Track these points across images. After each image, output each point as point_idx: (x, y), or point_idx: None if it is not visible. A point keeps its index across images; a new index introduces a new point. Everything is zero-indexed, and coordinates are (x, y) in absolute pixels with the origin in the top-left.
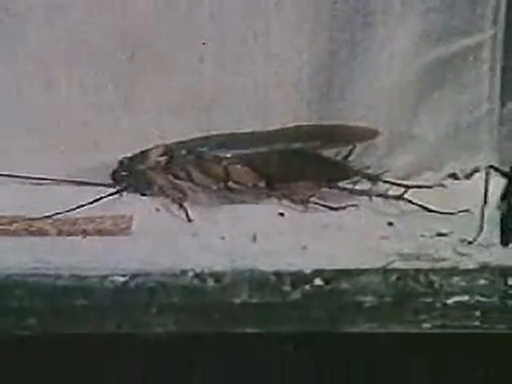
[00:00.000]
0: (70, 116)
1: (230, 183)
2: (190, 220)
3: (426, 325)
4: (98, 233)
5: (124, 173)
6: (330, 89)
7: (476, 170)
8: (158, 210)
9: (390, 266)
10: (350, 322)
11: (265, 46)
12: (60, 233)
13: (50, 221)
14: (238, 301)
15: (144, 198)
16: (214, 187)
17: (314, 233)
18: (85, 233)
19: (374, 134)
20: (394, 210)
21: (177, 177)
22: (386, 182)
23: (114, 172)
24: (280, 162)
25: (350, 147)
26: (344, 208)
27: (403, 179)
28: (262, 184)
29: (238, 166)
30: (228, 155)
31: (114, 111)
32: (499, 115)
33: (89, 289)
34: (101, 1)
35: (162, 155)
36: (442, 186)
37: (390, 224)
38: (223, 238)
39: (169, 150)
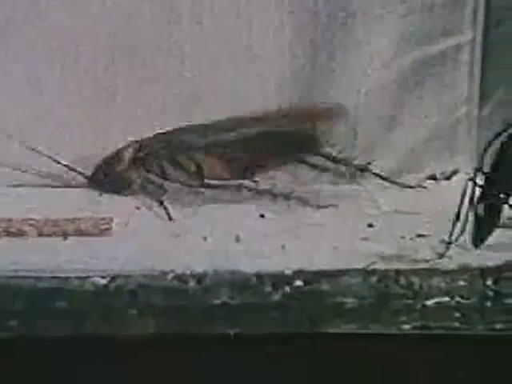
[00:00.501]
0: (51, 116)
1: (205, 178)
2: (170, 219)
3: (406, 326)
4: (79, 234)
5: (101, 176)
6: (310, 89)
7: (455, 172)
8: (138, 208)
9: (371, 268)
10: (330, 323)
11: (247, 46)
12: (40, 234)
13: (31, 222)
14: (219, 302)
15: (124, 197)
16: (190, 182)
17: (295, 234)
18: (65, 234)
19: (339, 113)
20: (374, 211)
21: (152, 173)
22: (373, 173)
23: (91, 177)
24: (251, 146)
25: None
26: (326, 207)
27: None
28: (236, 176)
29: (211, 158)
30: (200, 145)
31: (93, 111)
32: (478, 117)
33: (69, 291)
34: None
35: (135, 152)
36: (422, 186)
37: (370, 226)
38: (204, 238)
39: (142, 146)
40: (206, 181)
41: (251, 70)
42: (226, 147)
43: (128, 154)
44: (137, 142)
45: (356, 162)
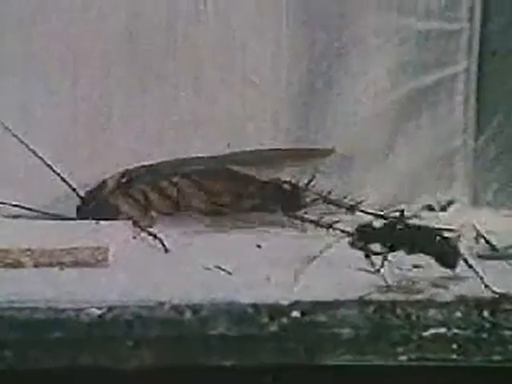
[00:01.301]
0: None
1: (183, 206)
2: (166, 251)
3: (403, 357)
4: (75, 265)
5: (88, 204)
6: (306, 119)
7: (451, 202)
8: (134, 237)
9: (367, 298)
10: (326, 354)
11: (243, 75)
12: (36, 265)
13: (27, 253)
14: (215, 333)
15: (121, 227)
16: (170, 211)
17: (292, 265)
18: (62, 265)
19: (328, 152)
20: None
21: (137, 201)
22: (362, 211)
23: (79, 208)
24: (232, 189)
25: (312, 174)
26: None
27: (379, 211)
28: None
29: (191, 188)
30: (178, 177)
31: (90, 137)
32: (474, 147)
33: (65, 322)
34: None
35: (119, 179)
36: (417, 217)
37: (367, 256)
38: (201, 269)
39: (126, 173)
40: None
41: (247, 96)
42: (208, 183)
43: (112, 182)
44: (124, 171)
45: (349, 197)
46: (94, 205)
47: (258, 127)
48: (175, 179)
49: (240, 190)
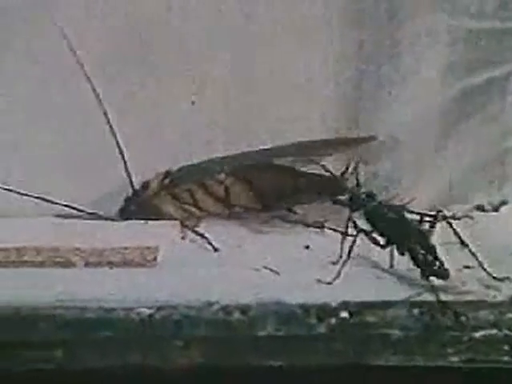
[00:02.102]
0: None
1: (232, 205)
2: (216, 250)
3: (453, 358)
4: (125, 264)
5: (131, 208)
6: (355, 120)
7: (503, 203)
8: (183, 238)
9: (416, 299)
10: (375, 355)
11: (290, 77)
12: (87, 264)
13: (77, 252)
14: (263, 333)
15: (169, 226)
16: (218, 210)
17: (339, 265)
18: (111, 264)
19: (370, 139)
20: None
21: (182, 201)
22: (412, 212)
23: (123, 209)
24: (280, 184)
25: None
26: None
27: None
28: (259, 206)
29: (238, 186)
30: (224, 174)
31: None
32: None
33: (114, 321)
34: None
35: (163, 179)
36: (471, 217)
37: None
38: (249, 269)
39: (170, 175)
40: (234, 209)
41: (295, 98)
42: (254, 177)
43: (155, 182)
44: (166, 171)
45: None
46: (138, 206)
47: (307, 128)
48: (221, 177)
49: (287, 184)
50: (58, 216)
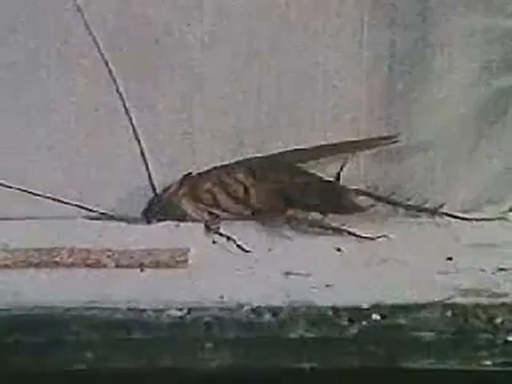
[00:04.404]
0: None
1: (253, 205)
2: (246, 251)
3: (487, 362)
4: (156, 266)
5: (155, 209)
6: (388, 121)
7: None
8: (214, 242)
9: (449, 302)
10: (407, 357)
11: (324, 77)
12: (117, 265)
13: (108, 253)
14: (294, 335)
15: (199, 228)
16: (239, 210)
17: (371, 267)
18: (142, 265)
19: (391, 139)
20: (453, 244)
21: (205, 202)
22: (444, 214)
23: (146, 211)
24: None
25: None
26: (373, 239)
27: (463, 213)
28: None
29: (260, 187)
30: (246, 176)
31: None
32: None
33: (145, 323)
34: None
35: (185, 182)
36: (504, 218)
37: (449, 259)
38: (280, 271)
39: (192, 177)
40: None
41: (327, 100)
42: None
43: (177, 185)
44: (187, 174)
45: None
46: (160, 208)
47: (339, 130)
48: (240, 176)
49: (304, 188)
50: (87, 218)
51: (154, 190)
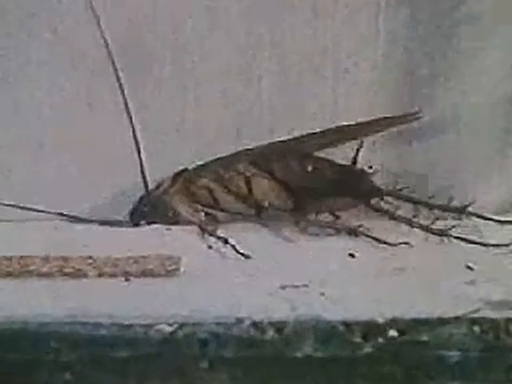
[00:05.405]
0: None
1: (257, 202)
2: (246, 256)
3: None
4: (143, 275)
5: (143, 209)
6: (406, 110)
7: None
8: (210, 247)
9: (477, 315)
10: (430, 380)
11: (338, 62)
12: (100, 274)
13: (89, 261)
14: (301, 354)
15: (192, 232)
16: (241, 210)
17: (388, 277)
18: (128, 275)
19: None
20: (478, 251)
21: (199, 200)
22: (472, 214)
23: (133, 212)
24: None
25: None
26: (395, 245)
27: (494, 214)
28: (290, 203)
29: (263, 181)
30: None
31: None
32: None
33: (132, 339)
34: None
35: (178, 178)
36: None
37: (470, 268)
38: (285, 280)
39: (186, 173)
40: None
41: (339, 85)
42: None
43: (169, 181)
44: (181, 170)
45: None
46: (149, 208)
47: (352, 119)
48: (240, 167)
49: (325, 179)
50: (66, 220)
51: (147, 187)
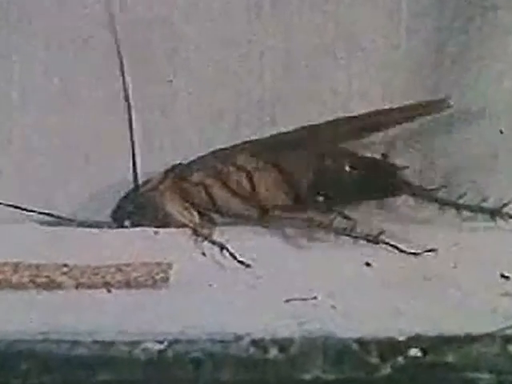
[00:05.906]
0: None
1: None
2: (246, 265)
3: None
4: (127, 285)
5: (128, 209)
6: (432, 94)
7: None
8: (204, 254)
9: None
10: None
11: (353, 39)
12: (78, 285)
13: (65, 269)
14: (308, 377)
15: (183, 236)
16: (241, 210)
17: (409, 288)
18: (109, 286)
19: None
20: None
21: (194, 198)
22: (510, 216)
23: (116, 212)
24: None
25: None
26: (420, 254)
27: None
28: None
29: (267, 176)
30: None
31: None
32: None
33: (114, 359)
34: None
35: (169, 174)
36: None
37: (505, 277)
38: (290, 292)
39: (177, 168)
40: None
41: (354, 65)
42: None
43: (158, 178)
44: (172, 165)
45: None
46: (135, 209)
47: (369, 103)
48: (240, 160)
49: (339, 174)
50: (38, 222)
51: (137, 183)
